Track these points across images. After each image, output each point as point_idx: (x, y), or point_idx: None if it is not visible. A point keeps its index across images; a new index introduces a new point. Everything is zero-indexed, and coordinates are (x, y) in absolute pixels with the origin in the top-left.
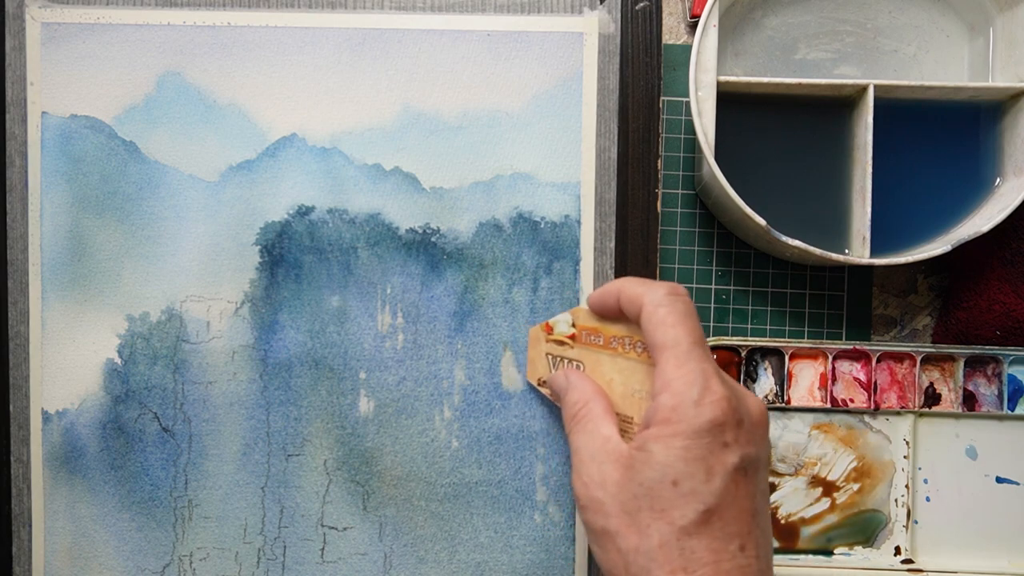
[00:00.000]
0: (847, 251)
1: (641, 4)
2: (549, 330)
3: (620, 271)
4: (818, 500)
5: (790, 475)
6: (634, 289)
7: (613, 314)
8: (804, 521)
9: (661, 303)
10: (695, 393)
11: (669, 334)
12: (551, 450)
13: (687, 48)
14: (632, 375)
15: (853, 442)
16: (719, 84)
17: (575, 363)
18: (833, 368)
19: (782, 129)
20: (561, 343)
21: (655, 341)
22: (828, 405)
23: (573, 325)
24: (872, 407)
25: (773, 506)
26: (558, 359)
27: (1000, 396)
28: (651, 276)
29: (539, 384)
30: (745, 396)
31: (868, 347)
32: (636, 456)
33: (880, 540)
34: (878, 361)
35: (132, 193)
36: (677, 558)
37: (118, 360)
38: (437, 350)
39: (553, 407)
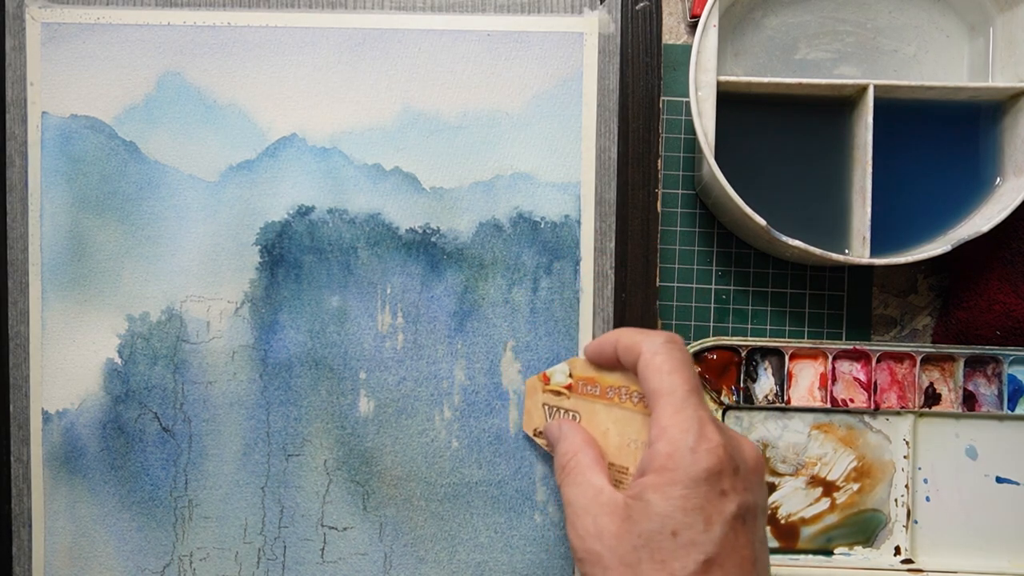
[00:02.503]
0: (847, 251)
1: (641, 4)
2: (546, 380)
3: (620, 271)
4: (818, 500)
5: (790, 475)
6: (632, 337)
7: (610, 364)
8: (804, 521)
9: (658, 351)
10: (691, 440)
11: (665, 381)
12: None
13: (687, 48)
14: (628, 425)
15: (853, 442)
16: (719, 84)
17: (571, 413)
18: (833, 368)
19: (782, 129)
20: (558, 393)
21: (651, 388)
22: (828, 405)
23: (570, 375)
24: (872, 407)
25: (773, 506)
26: (555, 409)
27: (1000, 396)
28: (651, 276)
29: (535, 435)
30: (740, 442)
31: (868, 347)
32: (633, 506)
33: (880, 540)
34: (878, 361)
35: (132, 193)
36: None
37: (118, 360)
38: (437, 350)
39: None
